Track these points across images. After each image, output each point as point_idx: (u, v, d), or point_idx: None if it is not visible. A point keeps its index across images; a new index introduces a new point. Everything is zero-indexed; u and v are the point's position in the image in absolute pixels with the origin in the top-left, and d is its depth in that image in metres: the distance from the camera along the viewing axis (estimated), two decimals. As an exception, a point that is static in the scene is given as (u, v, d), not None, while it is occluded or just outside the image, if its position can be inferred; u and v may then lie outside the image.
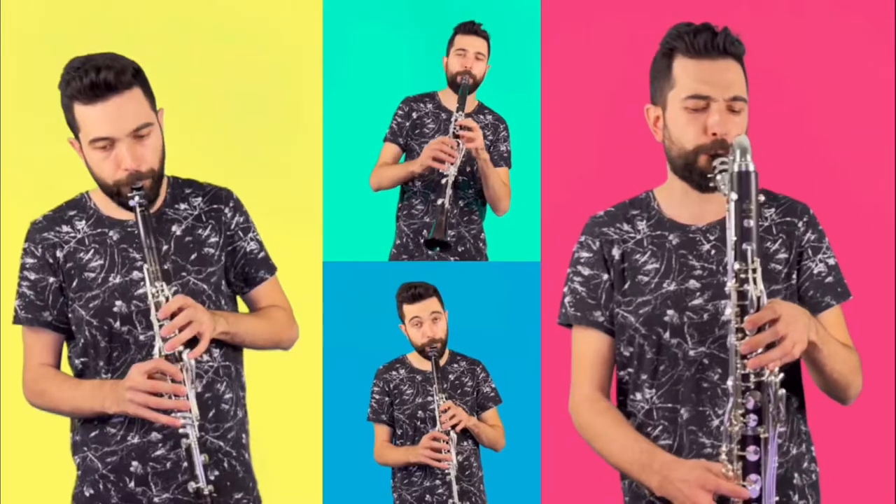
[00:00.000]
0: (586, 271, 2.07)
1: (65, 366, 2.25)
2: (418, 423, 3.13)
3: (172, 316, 2.04)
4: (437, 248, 3.31)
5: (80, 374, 2.20)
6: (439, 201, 3.25)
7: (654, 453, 1.93)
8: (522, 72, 3.73)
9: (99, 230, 2.18)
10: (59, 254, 2.17)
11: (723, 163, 1.86)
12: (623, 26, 3.46)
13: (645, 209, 2.09)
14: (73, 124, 2.11)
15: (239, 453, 2.23)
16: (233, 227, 2.26)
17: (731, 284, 1.82)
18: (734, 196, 1.81)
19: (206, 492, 2.03)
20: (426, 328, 3.18)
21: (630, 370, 2.04)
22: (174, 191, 2.24)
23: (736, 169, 1.82)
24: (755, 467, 1.82)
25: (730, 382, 1.83)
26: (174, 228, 2.20)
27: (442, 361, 3.20)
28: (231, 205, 2.27)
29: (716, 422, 1.96)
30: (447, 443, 3.02)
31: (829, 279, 2.04)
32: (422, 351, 3.18)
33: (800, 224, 2.05)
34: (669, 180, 2.08)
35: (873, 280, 3.49)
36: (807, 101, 3.52)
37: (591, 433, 2.04)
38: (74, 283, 2.16)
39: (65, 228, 2.19)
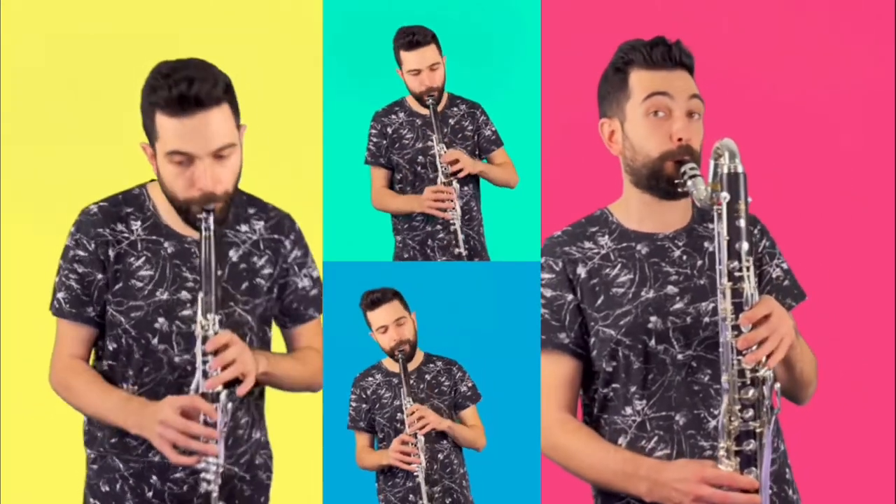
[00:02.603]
0: (549, 293, 2.06)
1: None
2: (398, 425, 3.13)
3: (217, 352, 1.97)
4: None
5: (106, 377, 2.13)
6: (455, 251, 3.30)
7: (638, 460, 1.94)
8: (522, 72, 3.73)
9: (154, 237, 2.10)
10: (110, 252, 2.09)
11: (692, 168, 1.92)
12: (623, 26, 3.46)
13: (604, 225, 2.10)
14: (150, 131, 2.00)
15: (253, 474, 2.21)
16: (289, 260, 2.21)
17: (724, 282, 1.84)
18: (726, 196, 1.85)
19: None
20: (391, 332, 3.15)
21: (615, 385, 2.03)
22: (237, 210, 2.16)
23: (726, 171, 1.85)
24: (753, 461, 1.84)
25: (724, 379, 1.84)
26: (231, 253, 2.14)
27: (415, 363, 3.19)
28: (292, 237, 2.21)
29: (713, 423, 1.97)
30: (415, 445, 3.01)
31: (787, 282, 2.10)
32: (392, 355, 3.16)
33: (755, 232, 2.09)
34: (626, 195, 2.10)
35: (873, 280, 3.49)
36: (807, 100, 3.52)
37: (564, 453, 2.02)
38: (119, 286, 2.09)
39: (119, 227, 2.10)
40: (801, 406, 2.10)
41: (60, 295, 2.12)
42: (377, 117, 3.53)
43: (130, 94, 3.57)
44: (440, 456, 3.08)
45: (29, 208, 3.46)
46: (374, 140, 3.52)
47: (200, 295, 1.96)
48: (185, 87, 1.93)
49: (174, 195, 2.01)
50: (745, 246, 1.84)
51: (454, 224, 3.32)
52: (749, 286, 1.84)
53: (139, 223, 2.12)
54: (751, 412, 1.83)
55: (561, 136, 3.57)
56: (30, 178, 3.52)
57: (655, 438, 1.99)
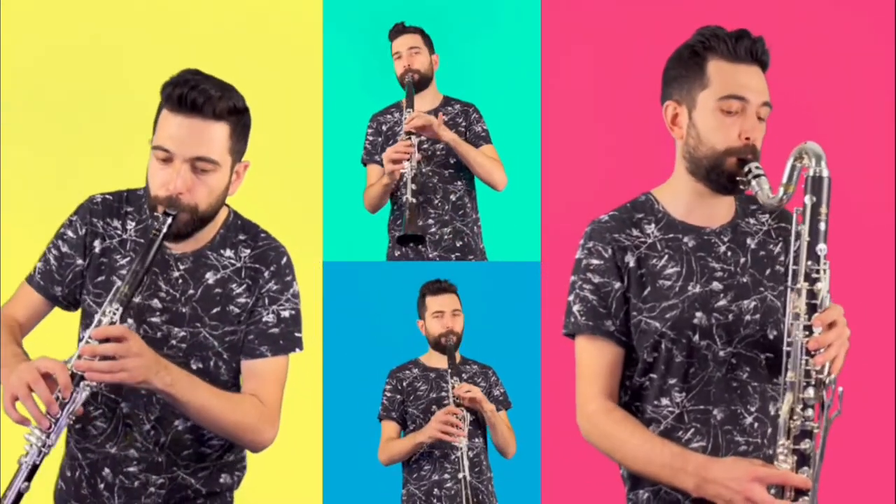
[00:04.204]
0: (597, 279, 2.04)
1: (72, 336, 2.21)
2: (431, 416, 3.13)
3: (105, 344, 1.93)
4: (411, 244, 3.40)
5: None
6: (403, 198, 3.34)
7: (686, 456, 1.94)
8: (522, 72, 3.73)
9: (142, 240, 2.11)
10: (97, 244, 2.13)
11: (758, 167, 1.94)
12: (623, 27, 3.46)
13: (650, 212, 2.08)
14: (154, 126, 2.04)
15: (210, 490, 2.18)
16: (262, 291, 2.14)
17: (801, 282, 1.87)
18: (811, 199, 1.88)
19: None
20: (447, 320, 3.22)
21: (653, 375, 2.03)
22: (227, 233, 2.15)
23: (812, 174, 1.89)
24: (807, 461, 1.86)
25: (789, 376, 1.86)
26: (208, 275, 2.12)
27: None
28: (273, 269, 2.14)
29: (749, 419, 2.00)
30: (461, 419, 3.03)
31: None
32: (437, 342, 3.20)
33: (791, 229, 2.08)
34: (676, 180, 2.08)
35: (873, 280, 3.49)
36: (806, 101, 3.52)
37: (610, 443, 2.01)
38: (100, 279, 2.12)
39: (114, 223, 2.14)
40: None
41: (39, 265, 2.18)
42: (374, 117, 3.59)
43: (130, 94, 3.58)
44: (470, 453, 3.09)
45: (29, 208, 3.46)
46: (370, 138, 3.57)
47: (119, 284, 1.97)
48: (188, 90, 1.97)
49: (148, 192, 2.04)
50: (824, 248, 1.87)
51: (406, 175, 3.35)
52: (824, 288, 1.87)
53: (133, 224, 2.14)
54: (811, 412, 1.86)
55: (561, 136, 3.57)
56: (30, 177, 3.52)
57: (692, 431, 2.00)
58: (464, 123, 3.54)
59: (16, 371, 1.92)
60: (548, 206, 3.56)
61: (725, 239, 2.06)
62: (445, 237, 3.44)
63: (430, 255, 3.42)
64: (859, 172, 3.51)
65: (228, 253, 2.14)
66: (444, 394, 3.14)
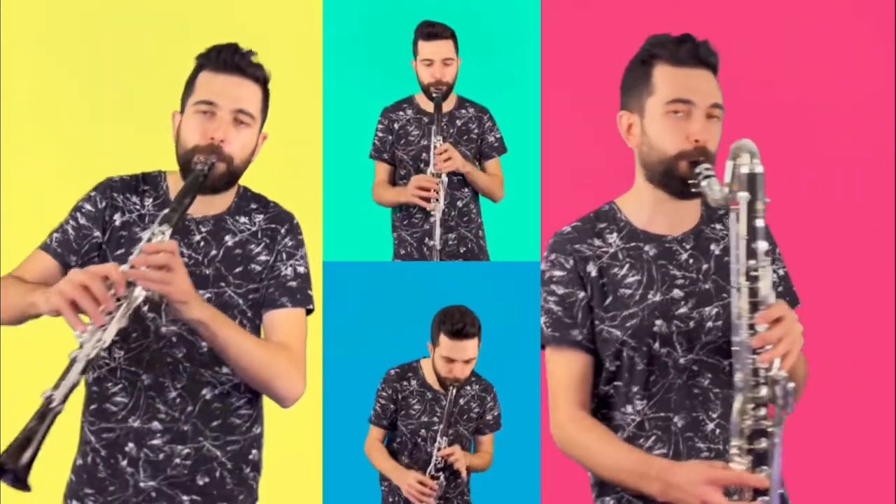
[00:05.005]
0: (560, 290, 2.06)
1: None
2: (419, 440, 3.14)
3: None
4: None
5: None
6: (430, 243, 3.30)
7: (650, 461, 1.94)
8: (522, 72, 3.73)
9: (161, 214, 2.15)
10: (116, 217, 2.18)
11: (707, 168, 1.92)
12: (623, 26, 3.46)
13: (612, 221, 2.10)
14: (187, 91, 2.16)
15: (237, 466, 2.20)
16: (279, 247, 2.23)
17: (741, 281, 1.85)
18: (746, 196, 1.85)
19: (55, 406, 1.83)
20: (456, 369, 3.10)
21: (618, 384, 2.04)
22: (240, 202, 2.25)
23: (746, 170, 1.86)
24: (765, 460, 1.84)
25: (738, 377, 1.85)
26: (227, 238, 2.20)
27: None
28: (287, 227, 2.26)
29: (710, 426, 1.99)
30: (433, 490, 3.02)
31: (780, 288, 2.10)
32: (441, 381, 3.14)
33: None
34: (637, 189, 2.09)
35: (873, 280, 3.49)
36: (806, 101, 3.52)
37: (580, 451, 2.03)
38: (120, 252, 2.15)
39: (133, 199, 2.20)
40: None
41: (55, 235, 2.18)
42: (385, 112, 3.56)
43: (130, 93, 3.58)
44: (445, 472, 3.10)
45: (29, 208, 3.46)
46: (380, 135, 3.55)
47: (165, 211, 2.02)
48: (230, 53, 2.15)
49: (185, 145, 2.13)
50: (763, 245, 1.85)
51: (434, 216, 3.34)
52: (765, 286, 1.85)
53: (151, 200, 2.21)
54: (763, 411, 1.83)
55: (561, 136, 3.57)
56: (30, 177, 3.53)
57: (653, 438, 2.00)
58: (476, 131, 3.53)
59: (67, 276, 1.92)
60: (548, 206, 3.56)
61: (688, 246, 2.06)
62: (450, 242, 3.44)
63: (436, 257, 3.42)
64: (859, 172, 3.51)
65: (243, 220, 2.23)
66: (435, 418, 3.14)
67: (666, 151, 2.00)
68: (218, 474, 2.18)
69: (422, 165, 3.46)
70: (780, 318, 1.83)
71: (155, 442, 2.13)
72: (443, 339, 3.10)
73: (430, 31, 3.41)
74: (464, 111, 3.54)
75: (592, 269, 2.06)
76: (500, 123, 3.59)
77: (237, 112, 2.13)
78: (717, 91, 2.02)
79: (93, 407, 2.16)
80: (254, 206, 2.26)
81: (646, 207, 2.07)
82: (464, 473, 3.09)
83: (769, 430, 1.84)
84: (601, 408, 2.07)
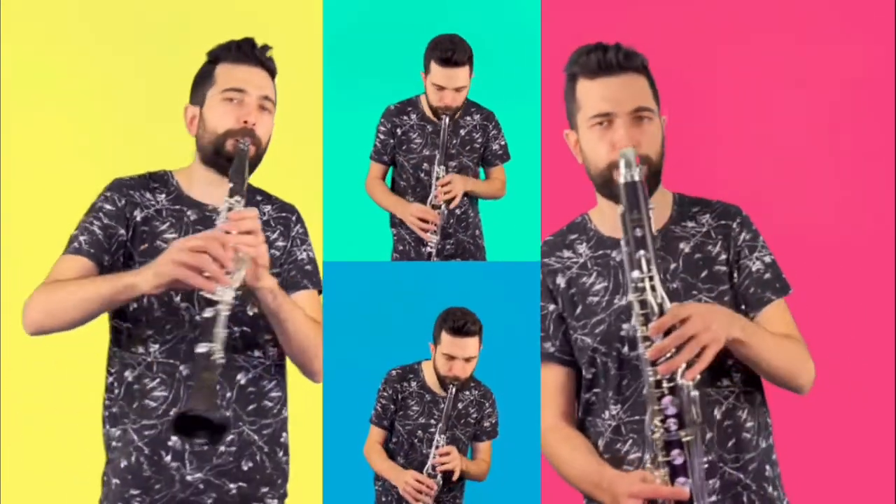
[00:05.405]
0: None
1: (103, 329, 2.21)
2: (416, 441, 3.14)
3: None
4: None
5: (127, 338, 2.18)
6: (427, 249, 3.31)
7: (602, 472, 1.96)
8: (522, 72, 3.73)
9: (178, 207, 2.24)
10: (137, 213, 2.21)
11: (628, 173, 1.90)
12: (623, 26, 3.46)
13: (583, 232, 2.12)
14: (204, 83, 2.26)
15: (272, 450, 2.24)
16: (293, 234, 2.34)
17: (630, 295, 1.83)
18: (621, 208, 1.84)
19: (217, 359, 1.93)
20: (456, 367, 3.09)
21: (596, 390, 2.06)
22: (247, 194, 2.26)
23: (622, 180, 1.85)
24: (682, 471, 1.82)
25: (644, 391, 1.84)
26: None
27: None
28: (296, 216, 2.38)
29: None
30: (430, 489, 3.03)
31: (768, 276, 2.06)
32: (441, 380, 3.14)
33: (734, 225, 2.08)
34: (599, 200, 2.10)
35: (873, 280, 3.49)
36: (806, 101, 3.53)
37: (554, 460, 2.07)
38: (145, 247, 2.18)
39: (147, 195, 2.25)
40: (802, 395, 2.05)
41: (82, 238, 2.17)
42: (388, 115, 3.52)
43: (130, 92, 3.58)
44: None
45: (29, 207, 3.46)
46: (382, 138, 3.52)
47: (230, 184, 2.09)
48: (250, 46, 2.29)
49: (215, 131, 2.21)
50: (645, 255, 1.82)
51: (430, 248, 3.35)
52: (654, 296, 1.81)
53: (164, 195, 2.26)
54: (674, 423, 1.80)
55: (561, 136, 3.56)
56: (30, 176, 3.53)
57: (629, 442, 2.02)
58: (480, 140, 3.51)
59: (166, 255, 1.96)
60: (548, 206, 3.56)
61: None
62: (447, 247, 3.44)
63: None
64: (859, 172, 3.51)
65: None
66: (433, 420, 3.13)
67: (597, 164, 2.00)
68: (259, 459, 2.21)
69: (422, 175, 3.45)
70: (683, 322, 1.79)
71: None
72: (444, 336, 3.11)
73: (447, 57, 3.25)
74: (469, 118, 3.51)
75: (561, 281, 2.08)
76: (500, 122, 3.57)
77: (263, 98, 2.25)
78: (641, 92, 2.00)
79: (134, 405, 2.16)
80: (259, 197, 2.35)
81: (607, 215, 2.08)
82: (457, 475, 3.09)
83: (684, 440, 1.81)
84: (586, 415, 2.09)
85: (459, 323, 3.09)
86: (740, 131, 3.52)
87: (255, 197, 2.34)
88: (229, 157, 2.18)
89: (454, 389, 3.07)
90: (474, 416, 3.20)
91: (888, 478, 3.45)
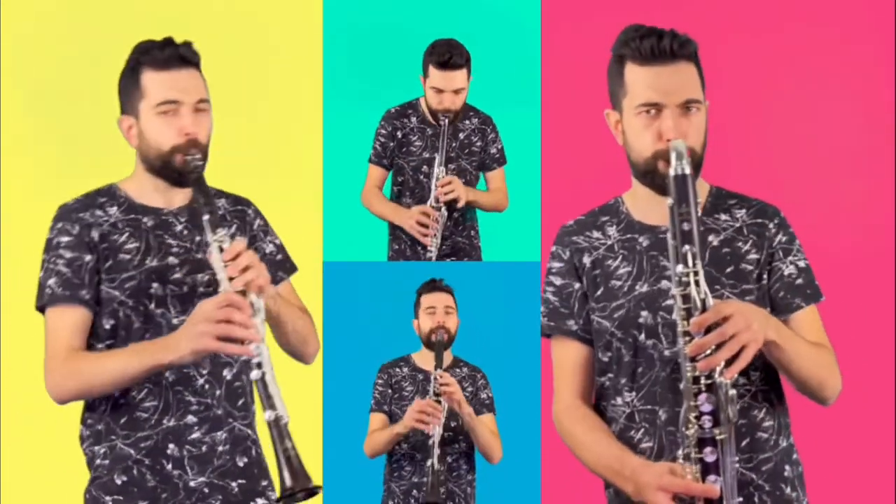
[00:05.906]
0: (558, 281, 2.07)
1: None
2: (421, 177, 3.11)
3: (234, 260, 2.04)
4: None
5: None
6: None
7: (624, 459, 1.93)
8: (522, 72, 3.73)
9: (132, 216, 2.19)
10: (94, 233, 2.16)
11: (678, 164, 1.86)
12: (623, 26, 3.46)
13: (614, 214, 2.09)
14: (132, 96, 2.18)
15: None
16: (255, 227, 2.30)
17: (674, 289, 1.82)
18: (670, 200, 1.83)
19: (284, 421, 1.96)
20: (438, 316, 3.15)
21: (610, 375, 2.03)
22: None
23: (672, 173, 1.83)
24: (714, 468, 1.81)
25: (682, 386, 1.83)
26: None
27: (445, 363, 3.17)
28: (252, 208, 2.32)
29: None
30: (436, 409, 2.99)
31: (800, 281, 2.03)
32: (428, 339, 3.15)
33: (771, 226, 2.04)
34: (634, 184, 2.07)
35: (874, 280, 3.49)
36: (806, 101, 3.53)
37: (571, 441, 2.04)
38: (109, 264, 2.15)
39: (98, 212, 2.19)
40: (825, 407, 2.03)
41: (51, 282, 2.14)
42: (388, 118, 3.52)
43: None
44: (448, 458, 3.08)
45: (29, 207, 3.46)
46: (381, 140, 3.51)
47: (205, 217, 2.07)
48: (172, 48, 2.16)
49: (159, 148, 2.15)
50: (692, 250, 1.80)
51: (431, 252, 3.35)
52: (699, 291, 1.80)
53: (115, 208, 2.21)
54: (709, 420, 1.79)
55: (561, 136, 3.57)
56: (30, 176, 3.53)
57: (642, 430, 1.99)
58: (479, 143, 3.51)
59: (189, 327, 1.99)
60: (548, 206, 3.56)
61: None
62: (443, 247, 3.45)
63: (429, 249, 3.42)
64: (860, 172, 3.52)
65: None
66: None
67: (642, 152, 1.96)
68: (253, 453, 2.21)
69: (421, 177, 3.45)
70: (726, 319, 1.78)
71: (194, 436, 2.14)
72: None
73: (445, 60, 3.28)
74: (467, 122, 3.50)
75: (587, 261, 2.06)
76: (500, 123, 3.58)
77: (198, 102, 2.16)
78: (691, 83, 1.96)
79: (123, 420, 2.14)
80: (212, 191, 2.26)
81: (642, 200, 2.05)
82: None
83: (718, 438, 1.80)
84: (600, 399, 2.07)
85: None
86: (741, 132, 3.52)
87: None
88: (179, 171, 2.13)
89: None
90: (469, 389, 3.20)
91: (888, 478, 3.45)
